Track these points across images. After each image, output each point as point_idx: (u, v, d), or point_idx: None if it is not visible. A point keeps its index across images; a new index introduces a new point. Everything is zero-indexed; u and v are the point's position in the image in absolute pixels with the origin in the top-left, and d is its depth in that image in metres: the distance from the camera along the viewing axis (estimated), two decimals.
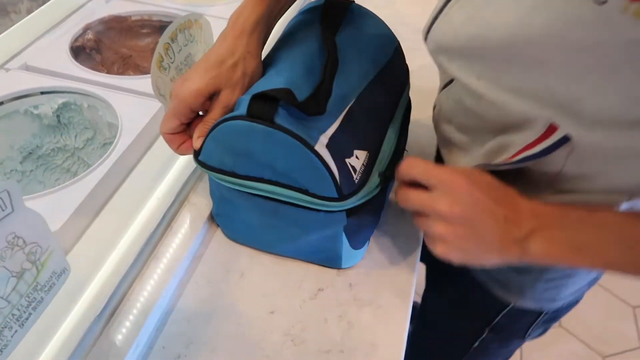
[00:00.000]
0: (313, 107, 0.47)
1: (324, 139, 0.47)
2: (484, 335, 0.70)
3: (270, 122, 0.46)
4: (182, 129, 0.54)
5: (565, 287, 0.60)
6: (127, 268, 0.52)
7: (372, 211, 0.58)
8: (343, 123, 0.50)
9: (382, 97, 0.57)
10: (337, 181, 0.47)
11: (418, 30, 0.54)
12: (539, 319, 0.65)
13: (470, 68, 0.47)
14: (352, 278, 0.57)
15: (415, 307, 1.62)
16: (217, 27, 0.56)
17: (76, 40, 0.89)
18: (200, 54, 0.62)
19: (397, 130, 0.57)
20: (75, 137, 0.82)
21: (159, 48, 0.53)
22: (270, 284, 0.56)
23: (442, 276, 0.77)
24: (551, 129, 0.43)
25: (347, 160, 0.48)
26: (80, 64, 0.83)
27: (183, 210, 0.61)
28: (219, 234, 0.61)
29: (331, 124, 0.49)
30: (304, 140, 0.46)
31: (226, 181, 0.51)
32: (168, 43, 0.55)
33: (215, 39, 0.66)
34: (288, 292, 0.56)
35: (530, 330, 0.68)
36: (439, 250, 0.45)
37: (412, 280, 0.57)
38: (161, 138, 0.55)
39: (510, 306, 0.63)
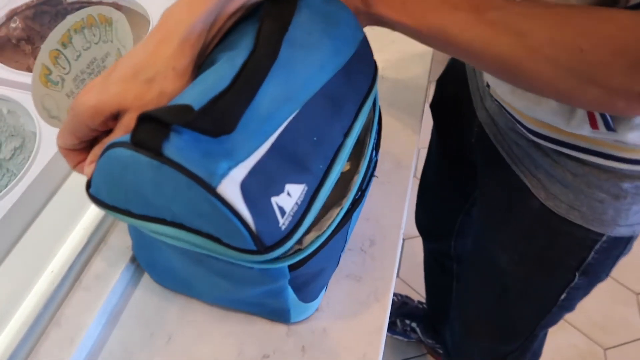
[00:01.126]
0: (207, 125, 0.34)
1: (239, 171, 0.35)
2: (574, 282, 0.69)
3: (156, 152, 0.34)
4: (82, 146, 0.42)
5: None
6: (18, 342, 0.42)
7: (326, 255, 0.45)
8: (275, 145, 0.37)
9: (337, 104, 0.44)
10: (251, 230, 0.35)
11: None
12: (627, 246, 0.66)
13: None
14: (305, 338, 0.46)
15: (419, 304, 1.53)
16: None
17: None
18: (114, 56, 0.49)
19: (351, 148, 0.45)
20: (0, 146, 0.71)
21: (42, 58, 0.41)
22: (202, 351, 0.45)
23: (513, 237, 0.72)
24: None
25: (273, 199, 0.36)
26: (6, 57, 0.71)
27: (97, 257, 0.49)
28: (146, 279, 0.50)
29: (256, 147, 0.36)
30: (198, 178, 0.33)
31: (126, 221, 0.40)
32: (58, 50, 0.42)
33: (131, 36, 0.53)
34: None
35: (617, 262, 0.68)
36: None
37: (380, 341, 0.46)
38: None
39: (604, 238, 0.62)
